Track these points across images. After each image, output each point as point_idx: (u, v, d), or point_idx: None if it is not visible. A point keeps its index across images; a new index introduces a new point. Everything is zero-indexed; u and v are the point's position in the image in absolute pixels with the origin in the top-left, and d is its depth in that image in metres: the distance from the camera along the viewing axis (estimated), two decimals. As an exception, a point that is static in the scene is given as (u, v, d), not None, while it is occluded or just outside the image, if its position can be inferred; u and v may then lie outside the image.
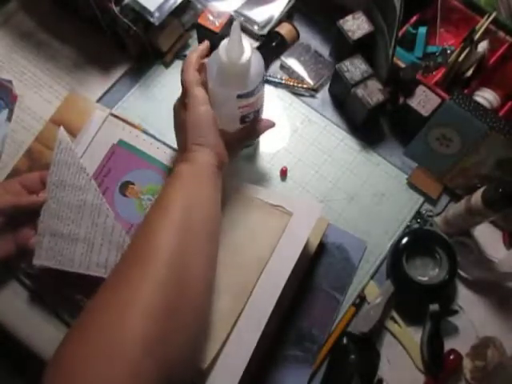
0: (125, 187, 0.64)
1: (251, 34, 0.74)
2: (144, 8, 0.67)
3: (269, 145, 0.72)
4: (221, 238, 0.62)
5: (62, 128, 0.64)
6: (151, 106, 0.73)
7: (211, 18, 0.70)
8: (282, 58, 0.75)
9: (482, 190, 0.57)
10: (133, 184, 0.65)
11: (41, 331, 0.61)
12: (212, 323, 0.57)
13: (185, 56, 0.76)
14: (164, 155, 0.66)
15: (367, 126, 0.71)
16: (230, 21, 0.70)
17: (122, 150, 0.66)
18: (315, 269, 0.64)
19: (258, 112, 0.61)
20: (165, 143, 0.67)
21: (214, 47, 0.52)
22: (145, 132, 0.67)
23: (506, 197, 0.55)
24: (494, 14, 0.68)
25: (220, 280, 0.59)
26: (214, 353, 0.55)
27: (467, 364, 0.61)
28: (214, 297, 0.58)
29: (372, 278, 0.65)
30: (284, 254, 0.59)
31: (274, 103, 0.74)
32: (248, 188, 0.65)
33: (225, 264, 0.60)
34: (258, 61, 0.53)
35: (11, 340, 0.62)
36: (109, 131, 0.67)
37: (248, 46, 0.51)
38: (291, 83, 0.74)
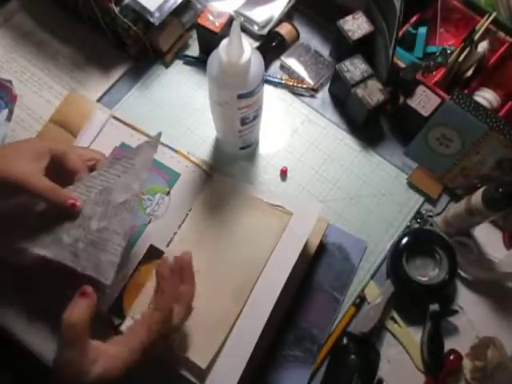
0: None
1: (251, 34, 0.74)
2: (144, 8, 0.67)
3: (269, 145, 0.72)
4: (221, 236, 0.62)
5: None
6: (151, 105, 0.73)
7: (211, 17, 0.70)
8: (282, 58, 0.75)
9: (482, 190, 0.57)
10: None
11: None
12: (211, 323, 0.57)
13: (185, 56, 0.76)
14: (164, 156, 0.67)
15: (367, 126, 0.71)
16: (230, 21, 0.70)
17: (124, 153, 0.66)
18: (315, 269, 0.64)
19: (257, 113, 0.61)
20: (165, 145, 0.67)
21: (213, 47, 0.52)
22: (146, 135, 0.68)
23: (506, 197, 0.55)
24: (493, 14, 0.68)
25: (219, 280, 0.59)
26: (213, 352, 0.55)
27: (467, 364, 0.61)
28: (213, 296, 0.58)
29: (372, 278, 0.65)
30: (284, 254, 0.59)
31: (274, 103, 0.74)
32: (248, 188, 0.65)
33: (224, 263, 0.60)
34: (258, 61, 0.53)
35: (13, 352, 0.62)
36: (111, 134, 0.68)
37: (248, 45, 0.51)
38: (291, 83, 0.74)
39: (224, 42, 0.51)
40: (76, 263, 0.54)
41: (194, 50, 0.77)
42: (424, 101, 0.66)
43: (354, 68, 0.68)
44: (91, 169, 0.57)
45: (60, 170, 0.55)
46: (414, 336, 0.63)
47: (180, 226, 0.63)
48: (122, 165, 0.56)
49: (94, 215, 0.55)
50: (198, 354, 0.55)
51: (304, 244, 0.58)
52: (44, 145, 0.54)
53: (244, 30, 0.74)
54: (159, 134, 0.58)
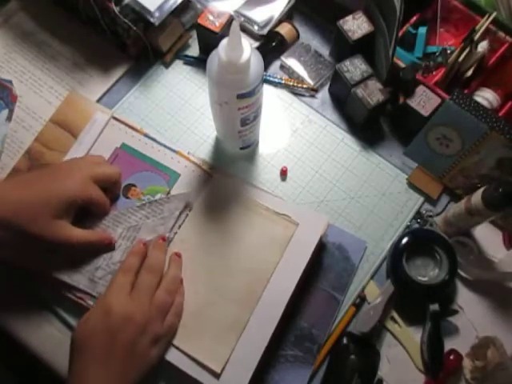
0: (127, 189, 0.65)
1: (251, 34, 0.74)
2: (144, 8, 0.67)
3: (269, 145, 0.72)
4: (224, 240, 0.62)
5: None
6: (151, 105, 0.73)
7: (211, 17, 0.70)
8: (282, 58, 0.75)
9: (481, 190, 0.57)
10: (135, 186, 0.65)
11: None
12: (223, 327, 0.58)
13: (185, 56, 0.76)
14: (165, 157, 0.67)
15: (367, 126, 0.71)
16: (230, 21, 0.70)
17: (125, 153, 0.67)
18: (315, 269, 0.64)
19: (257, 113, 0.61)
20: (165, 146, 0.68)
21: (213, 47, 0.52)
22: (147, 136, 0.68)
23: (506, 197, 0.54)
24: (494, 14, 0.68)
25: (228, 286, 0.60)
26: (226, 356, 0.56)
27: (467, 364, 0.61)
28: (223, 301, 0.59)
29: (372, 278, 0.65)
30: (291, 264, 0.60)
31: (274, 103, 0.74)
32: (250, 191, 0.65)
33: (230, 269, 0.61)
34: (257, 60, 0.53)
35: (17, 355, 0.63)
36: (111, 135, 0.68)
37: (247, 45, 0.51)
38: (291, 83, 0.74)
39: (224, 41, 0.51)
40: (91, 288, 0.60)
41: (194, 50, 0.77)
42: (424, 101, 0.66)
43: (354, 68, 0.68)
44: (104, 189, 0.62)
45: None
46: (414, 336, 0.63)
47: (180, 226, 0.63)
48: (152, 208, 0.63)
49: (117, 247, 0.62)
50: (211, 358, 0.56)
51: (310, 255, 0.60)
52: (70, 192, 0.58)
53: (244, 30, 0.74)
54: (190, 193, 0.64)
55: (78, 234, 0.58)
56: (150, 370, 0.54)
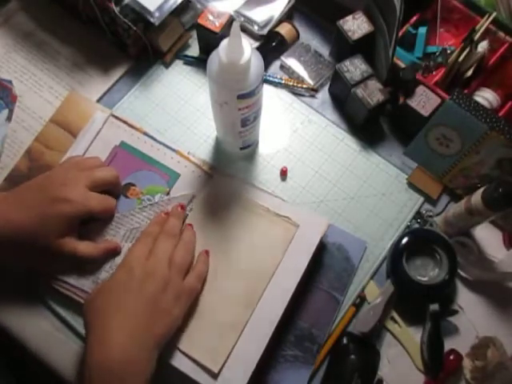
0: (126, 189, 0.65)
1: (251, 34, 0.74)
2: (144, 8, 0.67)
3: (269, 145, 0.72)
4: (224, 240, 0.62)
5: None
6: (151, 105, 0.73)
7: (211, 17, 0.70)
8: (282, 58, 0.75)
9: (481, 190, 0.57)
10: (134, 185, 0.65)
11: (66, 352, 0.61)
12: (222, 327, 0.58)
13: (185, 56, 0.76)
14: (164, 156, 0.67)
15: (367, 126, 0.71)
16: (230, 21, 0.70)
17: (123, 152, 0.67)
18: (315, 269, 0.64)
19: (257, 113, 0.61)
20: (165, 145, 0.67)
21: (213, 47, 0.52)
22: (146, 134, 0.68)
23: (506, 197, 0.55)
24: (494, 14, 0.68)
25: (227, 285, 0.60)
26: (224, 356, 0.56)
27: (467, 364, 0.61)
28: (222, 301, 0.59)
29: (372, 278, 0.65)
30: (290, 267, 0.60)
31: (274, 103, 0.74)
32: (250, 191, 0.65)
33: (230, 269, 0.61)
34: (257, 61, 0.53)
35: (17, 354, 0.63)
36: (111, 133, 0.68)
37: (248, 46, 0.51)
38: (291, 83, 0.74)
39: (224, 42, 0.51)
40: (93, 289, 0.59)
41: (194, 50, 0.77)
42: (424, 101, 0.66)
43: (354, 68, 0.68)
44: (104, 192, 0.62)
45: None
46: (414, 336, 0.63)
47: (180, 227, 0.63)
48: (154, 210, 0.64)
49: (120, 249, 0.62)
50: (209, 358, 0.56)
51: (311, 257, 0.60)
52: (70, 213, 0.58)
53: (244, 30, 0.74)
54: (191, 194, 0.64)
55: (84, 249, 0.59)
56: (174, 330, 0.55)
